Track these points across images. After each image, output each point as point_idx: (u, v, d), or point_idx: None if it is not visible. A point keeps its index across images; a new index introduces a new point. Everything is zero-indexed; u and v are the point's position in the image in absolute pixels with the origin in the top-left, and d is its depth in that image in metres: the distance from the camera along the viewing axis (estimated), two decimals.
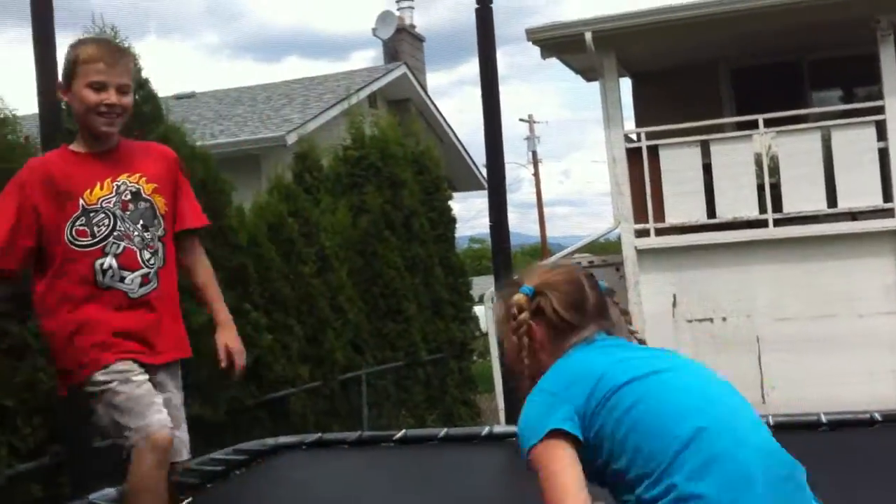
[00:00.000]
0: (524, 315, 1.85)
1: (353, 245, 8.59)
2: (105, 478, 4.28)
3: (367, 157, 9.37)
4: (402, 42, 15.66)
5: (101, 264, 2.54)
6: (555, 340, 1.85)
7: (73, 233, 2.53)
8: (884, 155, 9.75)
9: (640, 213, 10.27)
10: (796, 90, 11.51)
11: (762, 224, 9.96)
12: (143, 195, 2.62)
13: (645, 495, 1.60)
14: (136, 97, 6.44)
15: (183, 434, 2.71)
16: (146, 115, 6.26)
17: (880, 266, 9.61)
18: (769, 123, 10.16)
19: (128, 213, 2.58)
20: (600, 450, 1.69)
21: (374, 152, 9.43)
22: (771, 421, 3.98)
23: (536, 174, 34.01)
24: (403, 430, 4.49)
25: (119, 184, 2.59)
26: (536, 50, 11.03)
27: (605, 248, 15.30)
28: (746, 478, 1.58)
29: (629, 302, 10.03)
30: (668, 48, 10.92)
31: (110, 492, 3.62)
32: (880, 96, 9.86)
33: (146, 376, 2.53)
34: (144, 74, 6.47)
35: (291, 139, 11.44)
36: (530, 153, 35.12)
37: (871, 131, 9.78)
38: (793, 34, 10.27)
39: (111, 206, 2.57)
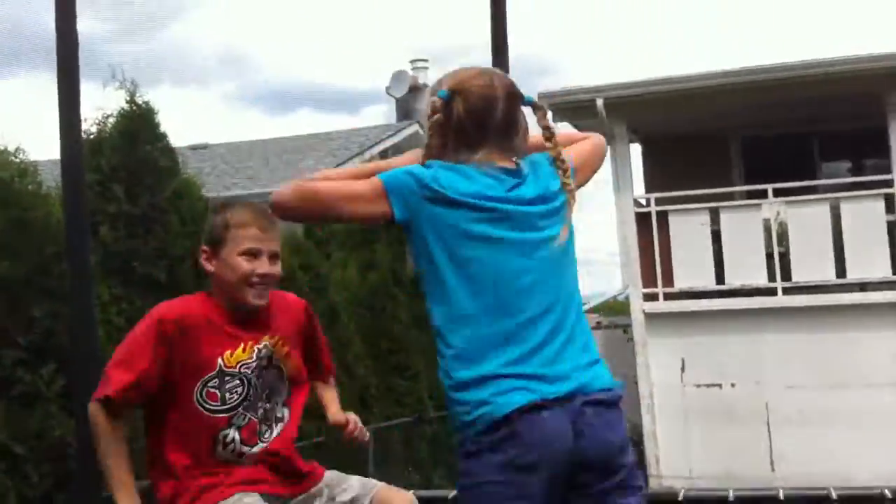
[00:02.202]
0: (437, 117, 1.89)
1: (361, 301, 8.62)
2: None
3: None
4: (415, 100, 15.84)
5: (225, 436, 2.30)
6: (455, 144, 1.88)
7: (203, 394, 2.28)
8: (892, 228, 9.79)
9: (648, 277, 10.28)
10: (806, 161, 11.59)
11: (771, 292, 9.96)
12: (275, 360, 2.42)
13: None
14: (154, 149, 6.59)
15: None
16: (163, 168, 6.34)
17: (889, 337, 9.59)
18: (778, 193, 10.22)
19: (260, 380, 2.37)
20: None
21: None
22: (781, 495, 3.95)
23: None
24: (411, 491, 4.44)
25: (260, 347, 2.37)
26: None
27: (613, 308, 15.28)
28: None
29: (637, 365, 10.00)
30: (679, 116, 11.04)
31: None
32: (889, 170, 9.94)
33: None
34: (163, 128, 6.57)
35: None
36: None
37: (880, 204, 9.83)
38: (803, 106, 10.38)
39: (249, 372, 2.34)
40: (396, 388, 8.70)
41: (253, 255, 2.34)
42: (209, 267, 2.37)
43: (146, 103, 6.53)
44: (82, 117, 4.62)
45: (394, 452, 8.35)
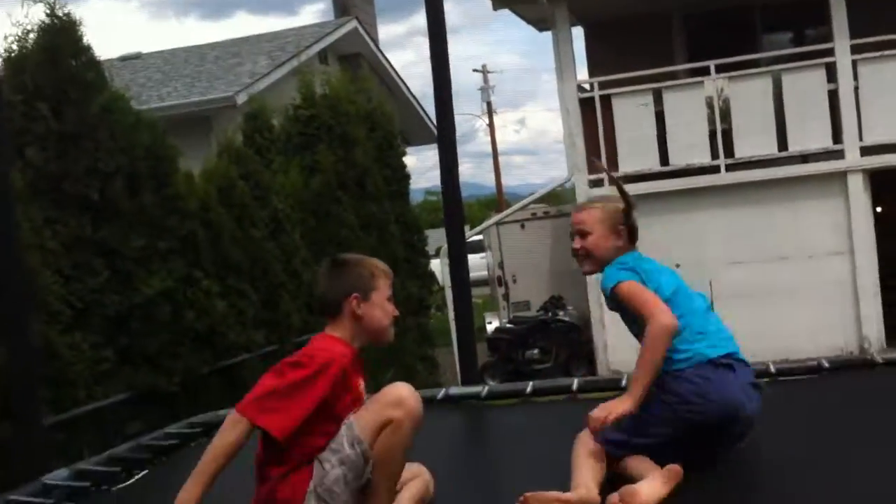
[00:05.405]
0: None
1: (306, 206, 8.51)
2: (58, 457, 4.23)
3: (319, 115, 9.25)
4: None
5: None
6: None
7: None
8: (833, 97, 9.82)
9: (594, 163, 10.27)
10: (748, 35, 11.52)
11: (715, 170, 10.03)
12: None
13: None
14: (78, 63, 6.37)
15: None
16: (89, 82, 6.11)
17: (830, 207, 9.73)
18: (721, 69, 10.18)
19: None
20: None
21: (325, 111, 9.30)
22: None
23: (491, 124, 33.97)
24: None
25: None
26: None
27: (559, 197, 15.34)
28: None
29: None
30: None
31: (62, 472, 3.55)
32: (830, 38, 9.90)
33: None
34: (86, 40, 6.31)
35: (242, 99, 11.27)
36: (485, 104, 35.03)
37: (822, 73, 9.83)
38: None
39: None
40: None
41: (390, 300, 2.68)
42: (359, 311, 2.59)
43: (67, 15, 6.24)
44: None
45: None
